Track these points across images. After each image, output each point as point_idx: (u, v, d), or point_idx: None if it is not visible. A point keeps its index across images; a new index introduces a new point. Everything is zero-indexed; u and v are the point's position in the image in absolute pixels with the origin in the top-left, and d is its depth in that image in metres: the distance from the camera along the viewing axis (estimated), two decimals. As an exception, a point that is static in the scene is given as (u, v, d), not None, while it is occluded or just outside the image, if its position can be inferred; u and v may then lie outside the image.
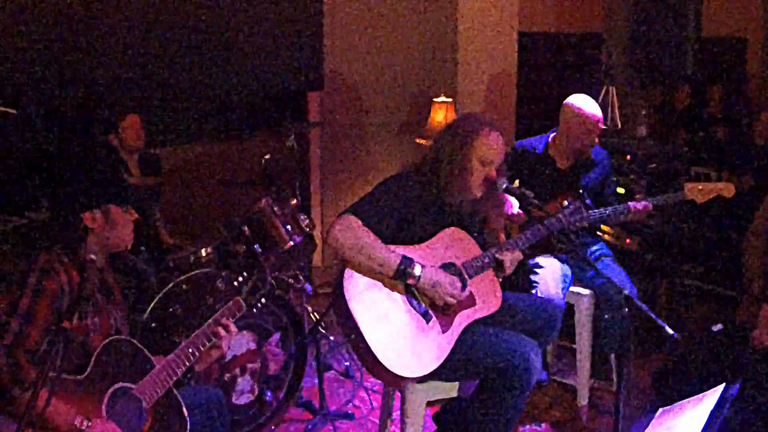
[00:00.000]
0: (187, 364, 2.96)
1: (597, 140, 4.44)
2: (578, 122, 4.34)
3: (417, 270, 3.16)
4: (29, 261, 2.84)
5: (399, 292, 3.22)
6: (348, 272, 3.17)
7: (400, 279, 3.17)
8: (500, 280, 3.50)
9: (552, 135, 4.52)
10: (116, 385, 2.82)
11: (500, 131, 3.40)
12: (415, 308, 3.22)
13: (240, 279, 3.19)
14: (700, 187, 4.27)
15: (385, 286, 3.19)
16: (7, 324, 2.69)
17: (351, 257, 3.14)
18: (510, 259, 3.41)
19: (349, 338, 3.19)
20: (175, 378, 2.94)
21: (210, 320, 3.03)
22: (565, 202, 3.79)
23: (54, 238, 2.95)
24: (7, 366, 2.62)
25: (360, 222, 3.16)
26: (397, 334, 3.14)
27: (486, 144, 3.34)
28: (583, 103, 4.37)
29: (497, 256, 3.40)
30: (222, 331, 3.01)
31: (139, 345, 2.94)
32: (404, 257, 3.16)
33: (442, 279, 3.21)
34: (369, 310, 3.13)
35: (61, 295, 2.80)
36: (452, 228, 3.41)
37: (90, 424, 2.69)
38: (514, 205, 3.99)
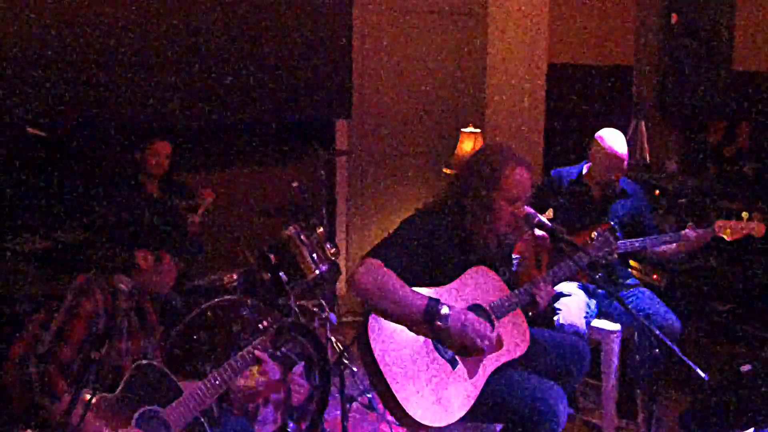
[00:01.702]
0: (216, 394, 2.99)
1: (624, 174, 4.45)
2: (603, 156, 4.39)
3: (444, 310, 3.06)
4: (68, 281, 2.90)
5: (425, 336, 3.13)
6: (373, 319, 3.08)
7: (428, 322, 3.07)
8: (530, 314, 3.46)
9: (586, 165, 4.53)
10: (145, 408, 2.85)
11: (526, 164, 3.31)
12: (441, 354, 3.14)
13: (265, 323, 3.20)
14: (732, 225, 4.24)
15: (411, 331, 3.11)
16: (40, 339, 2.74)
17: (376, 303, 3.06)
18: (544, 294, 3.36)
19: (374, 386, 3.12)
20: (203, 407, 2.96)
21: (237, 355, 3.06)
22: (594, 234, 3.75)
23: (91, 261, 2.99)
24: (38, 376, 2.65)
25: (383, 265, 3.07)
26: (424, 383, 3.06)
27: (513, 182, 3.26)
28: (610, 138, 4.40)
29: (533, 290, 3.34)
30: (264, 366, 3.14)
31: (167, 371, 2.96)
32: (431, 299, 3.08)
33: (471, 319, 3.11)
34: (394, 358, 3.05)
35: (96, 317, 2.84)
36: (478, 267, 3.34)
37: None
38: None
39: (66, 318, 2.79)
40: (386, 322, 3.09)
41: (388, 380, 3.01)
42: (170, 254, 3.02)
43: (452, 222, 3.30)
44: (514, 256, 3.70)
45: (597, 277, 3.49)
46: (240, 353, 3.06)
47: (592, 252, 3.67)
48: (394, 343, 3.07)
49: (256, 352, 3.08)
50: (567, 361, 3.46)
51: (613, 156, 4.35)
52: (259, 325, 3.21)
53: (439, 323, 3.06)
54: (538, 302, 3.34)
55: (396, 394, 3.00)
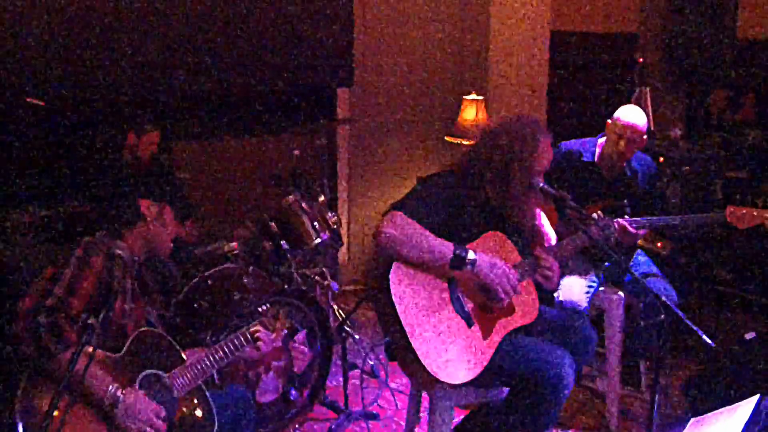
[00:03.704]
0: (218, 366, 3.07)
1: (641, 147, 4.38)
2: (621, 128, 4.28)
3: (471, 255, 3.08)
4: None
5: (446, 291, 3.15)
6: (395, 269, 3.07)
7: (456, 267, 3.08)
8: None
9: (599, 144, 4.44)
10: (149, 370, 2.90)
11: (550, 136, 3.36)
12: (458, 311, 3.16)
13: (264, 307, 3.33)
14: (744, 212, 4.05)
15: (437, 278, 3.13)
16: (50, 291, 2.76)
17: (403, 251, 3.04)
18: (550, 267, 3.33)
19: (388, 334, 3.14)
20: (205, 376, 3.02)
21: (243, 329, 3.17)
22: (595, 215, 3.68)
23: (97, 222, 3.08)
24: (48, 325, 2.67)
25: (408, 217, 3.08)
26: (441, 337, 3.08)
27: (547, 151, 3.30)
28: (629, 112, 4.31)
29: (537, 265, 3.32)
30: (260, 344, 3.18)
31: (171, 340, 3.01)
32: (456, 245, 3.09)
33: (500, 262, 3.13)
34: (414, 309, 3.06)
35: (105, 274, 2.86)
36: (493, 232, 3.33)
37: (124, 392, 2.75)
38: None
39: (77, 271, 2.82)
40: (409, 271, 3.09)
41: (407, 329, 3.01)
42: (173, 206, 3.12)
43: (472, 185, 3.29)
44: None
45: (607, 251, 3.44)
46: (242, 330, 3.16)
47: (594, 231, 3.61)
48: (415, 293, 3.08)
49: (260, 333, 3.18)
50: (573, 338, 3.43)
51: (630, 127, 4.25)
52: (258, 309, 3.32)
53: (467, 267, 3.08)
54: (544, 275, 3.32)
55: (413, 344, 3.01)
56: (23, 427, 2.60)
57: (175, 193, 3.15)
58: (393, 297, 3.03)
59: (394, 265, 3.07)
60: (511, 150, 3.26)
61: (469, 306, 3.20)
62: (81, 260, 2.85)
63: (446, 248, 3.07)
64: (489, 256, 3.13)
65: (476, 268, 3.09)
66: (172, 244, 3.16)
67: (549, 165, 3.32)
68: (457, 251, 3.07)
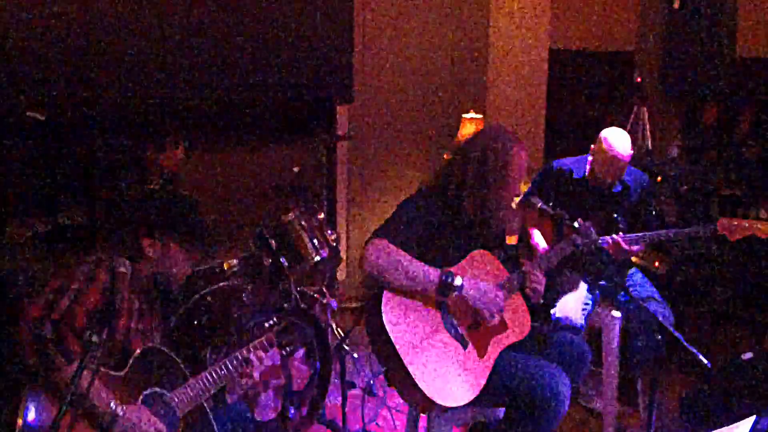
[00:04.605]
0: (218, 385, 3.05)
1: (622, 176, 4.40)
2: (605, 156, 4.29)
3: (458, 281, 3.12)
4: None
5: (438, 314, 3.17)
6: (386, 297, 3.10)
7: (443, 294, 3.12)
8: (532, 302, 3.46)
9: (589, 160, 4.47)
10: (151, 389, 2.89)
11: (524, 145, 3.38)
12: (452, 334, 3.18)
13: (272, 321, 3.27)
14: (735, 224, 4.08)
15: (427, 302, 3.15)
16: (55, 302, 2.76)
17: (389, 279, 3.08)
18: (535, 278, 3.37)
19: (385, 364, 3.14)
20: (207, 395, 3.02)
21: (243, 349, 3.14)
22: (576, 223, 3.71)
23: (98, 248, 3.01)
24: (54, 337, 2.68)
25: (390, 244, 3.10)
26: (438, 362, 3.09)
27: (520, 160, 3.32)
28: (615, 139, 4.30)
29: (524, 275, 3.35)
30: (256, 361, 3.13)
31: (175, 358, 3.00)
32: (443, 271, 3.12)
33: (485, 286, 3.18)
34: (408, 335, 3.07)
35: (110, 290, 2.85)
36: (479, 251, 3.37)
37: (126, 408, 2.74)
38: None
39: (83, 285, 2.82)
40: (399, 298, 3.12)
41: (401, 355, 3.02)
42: (178, 243, 3.02)
43: (451, 203, 3.34)
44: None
45: (599, 264, 3.49)
46: (246, 347, 3.15)
47: (579, 240, 3.63)
48: (408, 320, 3.10)
49: (258, 351, 3.16)
50: (568, 356, 3.44)
51: (614, 158, 4.26)
52: (266, 324, 3.27)
53: (455, 293, 3.12)
54: (531, 288, 3.35)
55: (409, 370, 3.01)
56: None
57: (187, 228, 3.04)
58: (386, 325, 3.04)
59: (384, 293, 3.10)
60: (483, 162, 3.30)
61: (461, 327, 3.22)
62: (88, 274, 2.85)
63: (433, 275, 3.10)
64: (475, 281, 3.17)
65: (463, 292, 3.14)
66: (183, 280, 3.11)
67: (524, 173, 3.35)
68: (444, 277, 3.10)
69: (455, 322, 3.21)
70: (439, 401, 3.02)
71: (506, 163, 3.29)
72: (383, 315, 3.06)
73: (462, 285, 3.12)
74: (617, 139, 4.29)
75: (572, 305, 4.25)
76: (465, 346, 3.18)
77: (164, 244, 2.99)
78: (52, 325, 2.69)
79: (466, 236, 3.36)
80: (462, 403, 3.09)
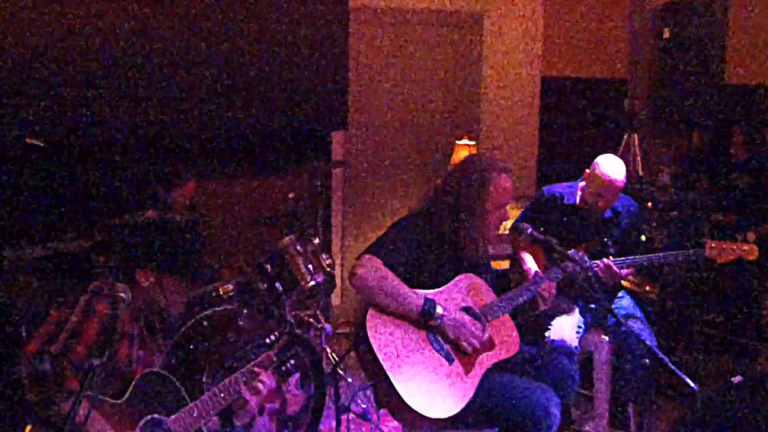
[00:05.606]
0: (218, 408, 3.02)
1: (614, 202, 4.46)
2: (599, 182, 4.33)
3: (439, 311, 3.23)
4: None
5: (422, 332, 3.26)
6: (372, 313, 3.20)
7: (424, 320, 3.22)
8: (539, 311, 3.55)
9: (580, 186, 4.53)
10: (150, 415, 2.89)
11: (509, 171, 3.48)
12: (437, 350, 3.26)
13: (272, 337, 3.25)
14: (723, 247, 4.15)
15: (410, 323, 3.24)
16: (55, 337, 2.79)
17: (376, 297, 3.19)
18: (547, 288, 3.50)
19: (372, 379, 3.20)
20: (207, 419, 3.00)
21: (243, 369, 3.11)
22: (571, 251, 3.76)
23: (94, 276, 3.02)
24: (53, 373, 2.70)
25: (382, 263, 3.21)
26: (422, 375, 3.17)
27: (500, 188, 3.41)
28: (609, 165, 4.35)
29: (536, 287, 3.48)
30: (260, 386, 3.10)
31: (176, 382, 2.99)
32: (427, 299, 3.22)
33: (464, 319, 3.29)
34: (393, 351, 3.16)
35: (108, 320, 2.89)
36: (467, 275, 3.48)
37: None
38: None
39: (82, 318, 2.85)
40: (385, 316, 3.22)
41: (387, 369, 3.11)
42: (174, 275, 3.04)
43: (440, 227, 3.43)
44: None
45: (585, 286, 3.57)
46: (246, 368, 3.11)
47: (570, 267, 3.69)
48: (393, 336, 3.20)
49: (257, 369, 3.13)
50: (558, 373, 3.53)
51: (610, 184, 4.31)
52: (266, 339, 3.26)
53: (433, 322, 3.23)
54: (540, 299, 3.47)
55: (394, 383, 3.09)
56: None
57: (181, 264, 3.05)
58: (371, 341, 3.14)
59: (369, 311, 3.20)
60: (459, 192, 3.42)
61: (447, 345, 3.30)
62: (86, 306, 2.88)
63: (417, 300, 3.22)
64: (454, 315, 3.28)
65: (442, 322, 3.24)
66: (181, 309, 3.15)
67: (508, 199, 3.45)
68: (426, 306, 3.22)
69: (440, 339, 3.29)
70: (425, 413, 3.08)
71: (483, 190, 3.39)
72: (368, 332, 3.15)
73: (443, 315, 3.24)
74: (612, 166, 4.35)
75: (567, 328, 4.30)
76: (450, 362, 3.26)
77: (156, 277, 3.00)
78: (51, 358, 2.71)
79: (452, 259, 3.46)
80: (448, 415, 3.14)
